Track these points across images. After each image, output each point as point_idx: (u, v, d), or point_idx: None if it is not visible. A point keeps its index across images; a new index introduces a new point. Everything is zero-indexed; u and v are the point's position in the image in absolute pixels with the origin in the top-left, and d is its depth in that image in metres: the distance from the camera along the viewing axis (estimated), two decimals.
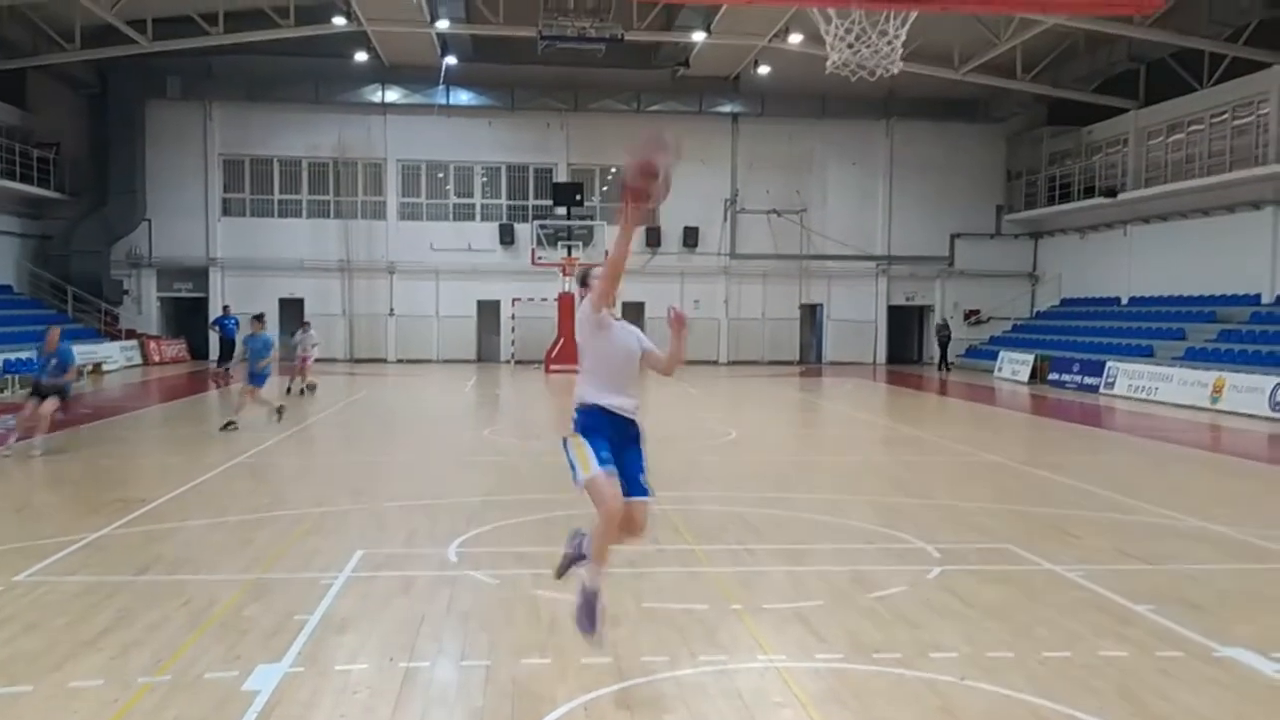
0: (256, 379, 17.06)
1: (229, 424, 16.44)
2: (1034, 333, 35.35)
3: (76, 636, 6.55)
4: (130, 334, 34.01)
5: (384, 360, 36.51)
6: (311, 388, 23.63)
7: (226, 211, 36.66)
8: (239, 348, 17.12)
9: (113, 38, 30.01)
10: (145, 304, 36.30)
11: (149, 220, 35.70)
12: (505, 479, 13.08)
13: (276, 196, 36.96)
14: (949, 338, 36.41)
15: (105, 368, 29.62)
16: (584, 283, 5.99)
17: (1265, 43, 26.61)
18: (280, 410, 17.23)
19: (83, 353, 28.53)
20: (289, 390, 23.09)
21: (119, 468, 13.29)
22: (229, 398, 16.51)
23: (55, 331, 14.60)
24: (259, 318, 18.34)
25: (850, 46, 7.78)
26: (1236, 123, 28.45)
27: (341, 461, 14.62)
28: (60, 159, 33.20)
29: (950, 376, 33.67)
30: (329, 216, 36.89)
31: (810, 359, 39.06)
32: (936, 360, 36.38)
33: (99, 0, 27.17)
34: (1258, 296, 27.26)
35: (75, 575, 8.02)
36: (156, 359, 33.75)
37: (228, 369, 25.01)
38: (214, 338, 30.92)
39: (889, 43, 7.60)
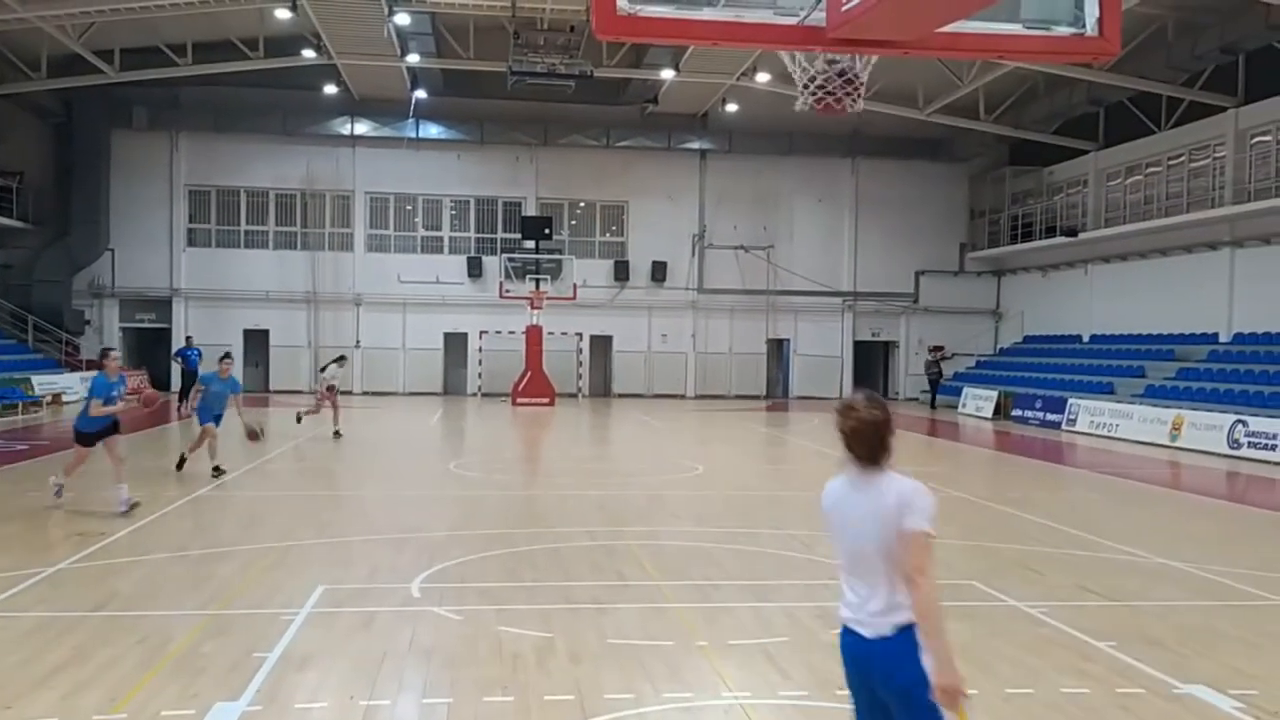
0: (216, 419, 16.24)
1: (217, 469, 15.63)
2: (997, 369, 35.68)
3: (29, 674, 6.43)
4: (91, 365, 33.47)
5: (349, 392, 36.22)
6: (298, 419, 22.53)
7: (191, 242, 36.39)
8: (196, 386, 16.00)
9: (79, 67, 29.84)
10: (107, 334, 35.80)
11: (112, 250, 35.35)
12: (470, 514, 13.00)
13: (243, 227, 36.75)
14: (939, 375, 36.35)
15: (65, 399, 29.21)
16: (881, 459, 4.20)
17: (1220, 87, 27.24)
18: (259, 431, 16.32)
19: (42, 384, 28.31)
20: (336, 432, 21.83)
21: (78, 500, 13.06)
22: (208, 442, 15.72)
23: (117, 357, 13.10)
24: (228, 356, 17.51)
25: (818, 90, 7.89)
26: (1193, 165, 29.03)
27: (305, 495, 14.47)
28: (24, 188, 32.82)
29: (915, 412, 33.84)
30: (295, 248, 36.71)
31: (777, 393, 39.20)
32: (930, 398, 36.02)
33: (66, 29, 27.02)
34: (1215, 335, 27.70)
35: (30, 611, 7.88)
36: None
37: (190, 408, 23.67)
38: (176, 369, 30.61)
39: (850, 82, 7.72)
